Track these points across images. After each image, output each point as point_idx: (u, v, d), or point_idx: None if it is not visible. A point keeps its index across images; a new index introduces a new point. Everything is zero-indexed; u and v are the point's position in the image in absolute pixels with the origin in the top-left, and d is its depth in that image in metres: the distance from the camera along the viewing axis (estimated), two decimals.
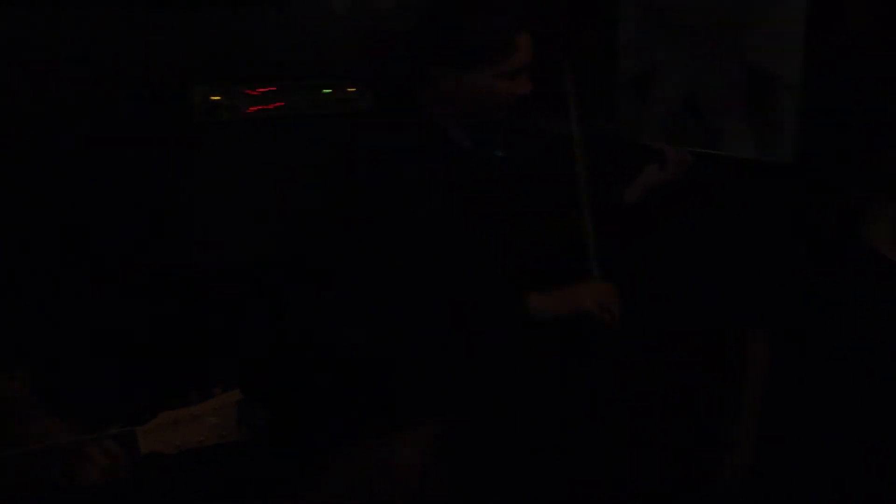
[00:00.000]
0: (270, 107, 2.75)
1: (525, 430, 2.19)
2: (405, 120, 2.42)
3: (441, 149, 2.34)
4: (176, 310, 2.67)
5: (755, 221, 2.85)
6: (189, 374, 2.47)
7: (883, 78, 2.63)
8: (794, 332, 2.33)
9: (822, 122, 2.79)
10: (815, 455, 2.28)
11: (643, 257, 2.70)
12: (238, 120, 2.70)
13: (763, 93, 2.98)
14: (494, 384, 2.28)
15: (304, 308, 2.62)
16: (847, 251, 2.25)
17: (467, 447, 2.21)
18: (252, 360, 2.51)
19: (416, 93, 2.33)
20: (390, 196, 2.29)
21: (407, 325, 2.30)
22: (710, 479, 2.32)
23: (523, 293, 2.23)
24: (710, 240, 2.91)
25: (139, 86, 2.77)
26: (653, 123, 3.36)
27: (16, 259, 2.54)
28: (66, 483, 1.89)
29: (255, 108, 2.72)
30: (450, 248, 2.28)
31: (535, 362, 2.34)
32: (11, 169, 2.64)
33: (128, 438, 1.87)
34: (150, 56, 2.78)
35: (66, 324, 2.60)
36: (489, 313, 2.23)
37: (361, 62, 2.97)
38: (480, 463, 2.20)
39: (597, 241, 2.34)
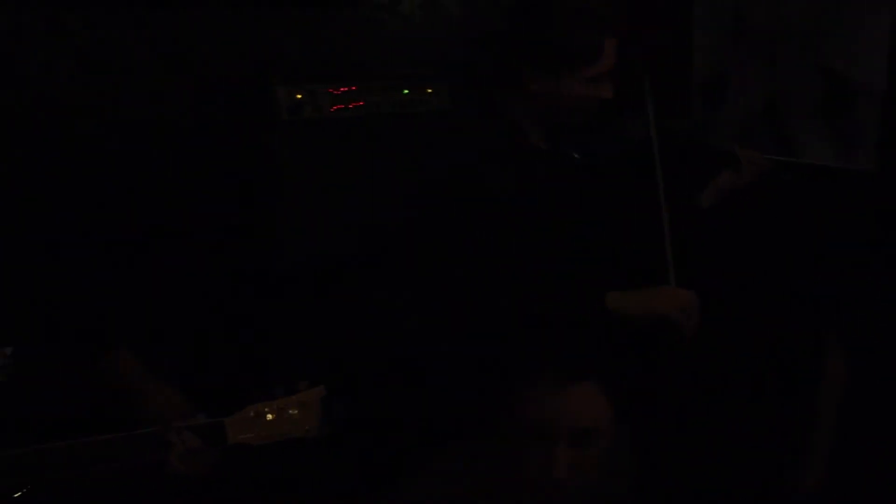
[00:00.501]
0: (351, 106, 2.79)
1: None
2: (484, 121, 2.45)
3: (521, 151, 2.36)
4: (261, 306, 2.72)
5: (834, 230, 2.82)
6: (274, 369, 2.53)
7: None
8: (872, 341, 2.31)
9: None
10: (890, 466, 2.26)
11: (718, 263, 2.68)
12: (320, 119, 2.74)
13: (843, 99, 2.95)
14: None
15: (384, 307, 2.66)
16: None
17: None
18: (338, 358, 2.55)
19: (499, 95, 2.36)
20: (470, 196, 2.32)
21: (483, 323, 2.32)
22: (784, 490, 2.32)
23: (602, 292, 2.23)
24: (787, 247, 2.89)
25: (225, 84, 2.83)
26: (727, 129, 3.34)
27: (113, 250, 2.62)
28: (152, 471, 1.95)
29: (337, 108, 2.76)
30: (526, 250, 2.30)
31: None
32: (103, 167, 2.72)
33: (216, 429, 1.93)
34: (236, 54, 2.84)
35: (159, 317, 2.67)
36: (568, 310, 2.23)
37: (439, 63, 3.00)
38: None
39: (674, 247, 2.34)
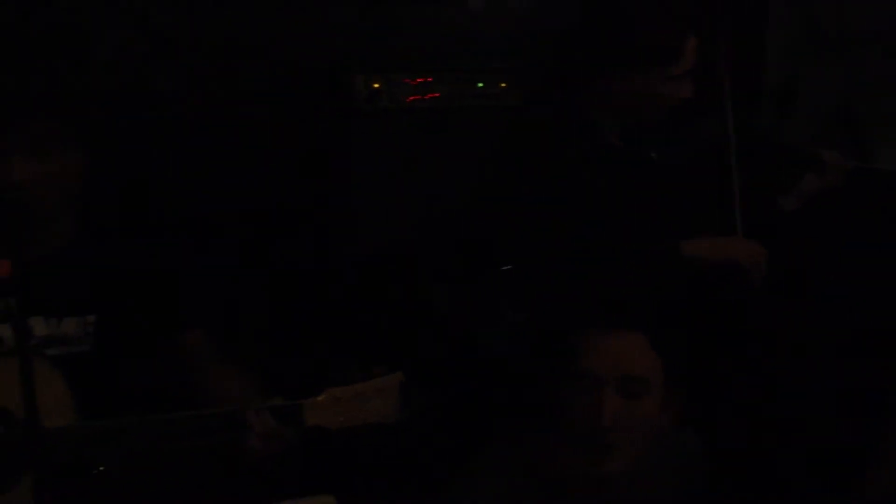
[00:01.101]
0: (427, 97, 2.80)
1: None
2: (558, 118, 2.45)
3: (596, 148, 2.36)
4: (340, 292, 2.75)
5: None
6: (352, 354, 2.55)
7: None
8: None
9: None
10: None
11: (798, 267, 2.67)
12: (396, 109, 2.76)
13: None
14: None
15: (459, 297, 2.67)
16: None
17: None
18: (416, 345, 2.57)
19: (576, 93, 2.35)
20: (545, 192, 2.32)
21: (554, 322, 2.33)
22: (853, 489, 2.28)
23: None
24: (867, 252, 2.86)
25: (303, 71, 2.86)
26: (800, 133, 3.31)
27: (194, 232, 2.66)
28: (229, 450, 1.98)
29: (413, 98, 2.78)
30: (597, 250, 2.30)
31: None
32: (180, 152, 2.76)
33: (294, 411, 1.95)
34: (315, 41, 2.86)
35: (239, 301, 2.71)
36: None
37: (514, 57, 3.00)
38: None
39: None
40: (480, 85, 2.90)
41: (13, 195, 1.96)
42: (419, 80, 2.81)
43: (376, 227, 2.78)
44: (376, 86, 2.74)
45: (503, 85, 2.93)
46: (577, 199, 2.26)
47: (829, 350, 2.51)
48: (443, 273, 2.74)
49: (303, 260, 2.81)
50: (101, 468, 1.99)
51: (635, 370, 1.76)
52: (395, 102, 2.77)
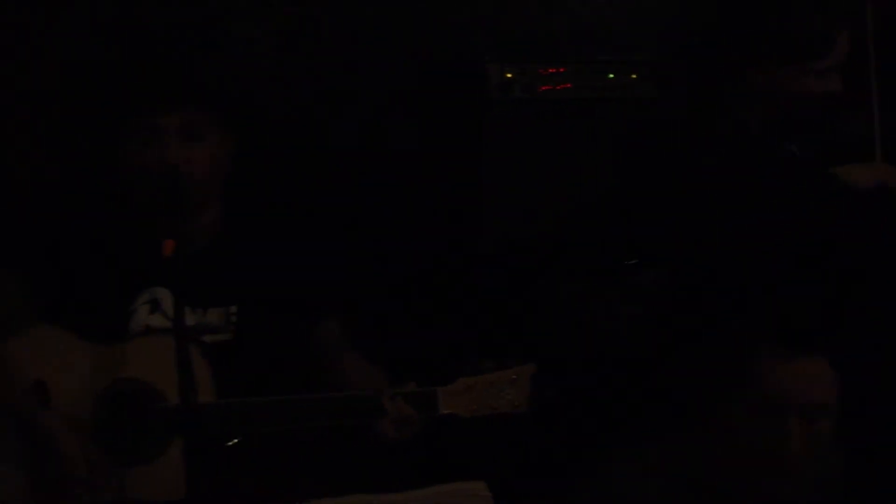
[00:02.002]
0: (559, 87, 2.79)
1: None
2: (695, 112, 2.42)
3: (737, 143, 2.33)
4: (472, 283, 2.77)
5: None
6: (486, 345, 2.57)
7: None
8: None
9: None
10: None
11: None
12: (529, 99, 2.76)
13: None
14: None
15: (586, 290, 2.67)
16: None
17: None
18: (548, 338, 2.58)
19: (717, 87, 2.32)
20: (684, 184, 2.30)
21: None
22: None
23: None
24: None
25: (437, 59, 2.88)
26: None
27: (325, 224, 2.72)
28: (361, 434, 2.03)
29: (546, 88, 2.77)
30: (733, 242, 2.27)
31: None
32: (311, 144, 2.82)
33: (430, 397, 1.99)
34: (448, 29, 2.88)
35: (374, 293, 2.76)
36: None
37: (649, 49, 2.96)
38: None
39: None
40: (611, 76, 2.87)
41: (170, 177, 2.04)
42: (551, 70, 2.80)
43: (506, 218, 2.79)
44: (509, 75, 2.75)
45: (634, 76, 2.90)
46: (716, 194, 2.24)
47: None
48: (572, 266, 2.74)
49: (437, 251, 2.84)
50: (235, 441, 2.07)
51: (817, 397, 1.75)
52: (527, 92, 2.77)
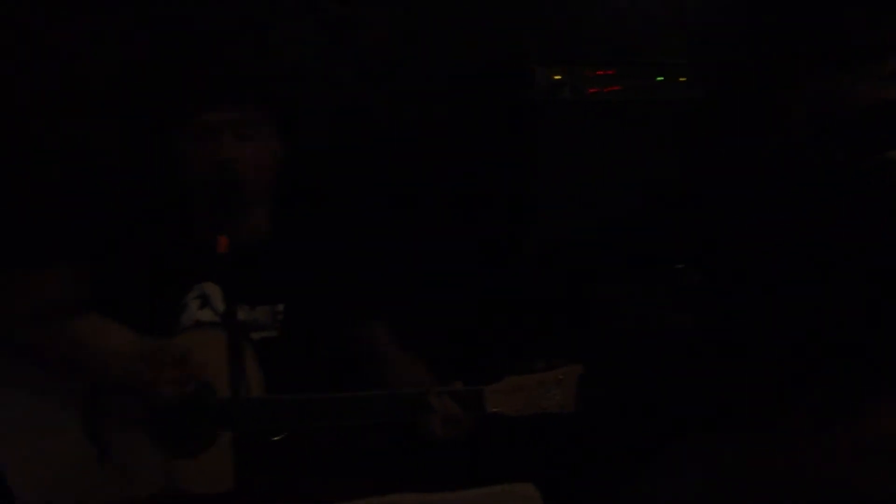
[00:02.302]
0: (607, 90, 2.79)
1: None
2: (745, 116, 2.40)
3: (788, 149, 2.30)
4: (521, 283, 2.78)
5: None
6: (532, 344, 2.58)
7: None
8: None
9: None
10: None
11: None
12: (577, 101, 2.76)
13: None
14: None
15: (632, 293, 2.67)
16: None
17: None
18: (597, 338, 2.59)
19: (771, 91, 2.30)
20: (733, 188, 2.29)
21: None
22: None
23: None
24: None
25: (485, 61, 2.89)
26: None
27: (374, 223, 2.74)
28: (410, 431, 2.04)
29: (594, 90, 2.77)
30: (777, 248, 2.25)
31: None
32: (362, 143, 2.84)
33: (476, 396, 1.99)
34: (497, 31, 2.89)
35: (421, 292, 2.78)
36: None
37: (698, 51, 2.95)
38: None
39: None
40: (660, 78, 2.87)
41: (223, 173, 2.06)
42: (600, 72, 2.80)
43: (555, 220, 2.79)
44: (557, 77, 2.75)
45: (683, 79, 2.89)
46: (765, 198, 2.22)
47: None
48: (619, 268, 2.74)
49: (486, 251, 2.85)
50: (283, 435, 2.10)
51: None
52: (576, 94, 2.77)
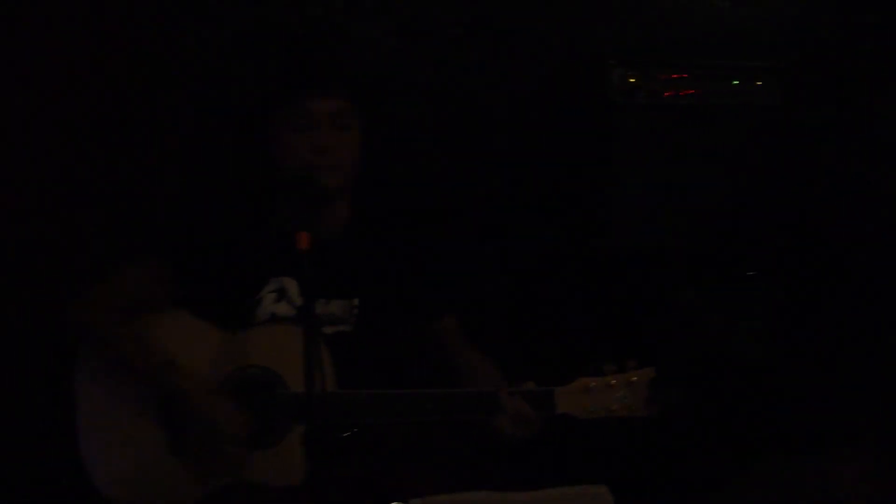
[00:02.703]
0: (682, 94, 2.77)
1: None
2: (828, 123, 2.35)
3: (877, 159, 2.26)
4: (594, 285, 2.78)
5: None
6: (604, 346, 2.58)
7: None
8: None
9: None
10: None
11: None
12: (652, 104, 2.75)
13: None
14: None
15: (706, 298, 2.65)
16: None
17: None
18: (670, 342, 2.57)
19: (856, 96, 2.25)
20: (811, 195, 2.26)
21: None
22: None
23: None
24: None
25: (562, 62, 2.90)
26: None
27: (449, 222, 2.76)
28: (480, 429, 2.05)
29: (669, 94, 2.76)
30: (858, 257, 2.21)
31: None
32: (436, 142, 2.86)
33: (546, 397, 2.00)
34: (573, 35, 2.89)
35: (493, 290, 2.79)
36: None
37: (775, 55, 2.92)
38: None
39: None
40: (736, 82, 2.84)
41: (318, 161, 2.08)
42: (675, 75, 2.78)
43: (628, 224, 2.78)
44: (632, 80, 2.74)
45: (759, 83, 2.85)
46: (853, 206, 2.18)
47: None
48: (694, 273, 2.72)
49: (560, 252, 2.85)
50: (354, 430, 2.12)
51: None
52: (651, 98, 2.75)
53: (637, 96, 2.74)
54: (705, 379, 2.47)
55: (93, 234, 2.66)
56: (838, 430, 1.88)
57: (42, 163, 2.61)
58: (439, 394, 2.02)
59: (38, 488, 2.55)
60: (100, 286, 2.13)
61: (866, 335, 2.25)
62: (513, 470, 2.06)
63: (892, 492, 1.76)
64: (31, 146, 2.60)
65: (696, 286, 2.68)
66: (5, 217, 2.60)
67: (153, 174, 2.70)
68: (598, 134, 2.78)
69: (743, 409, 2.40)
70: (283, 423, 2.04)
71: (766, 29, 2.97)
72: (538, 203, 2.89)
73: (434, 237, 2.33)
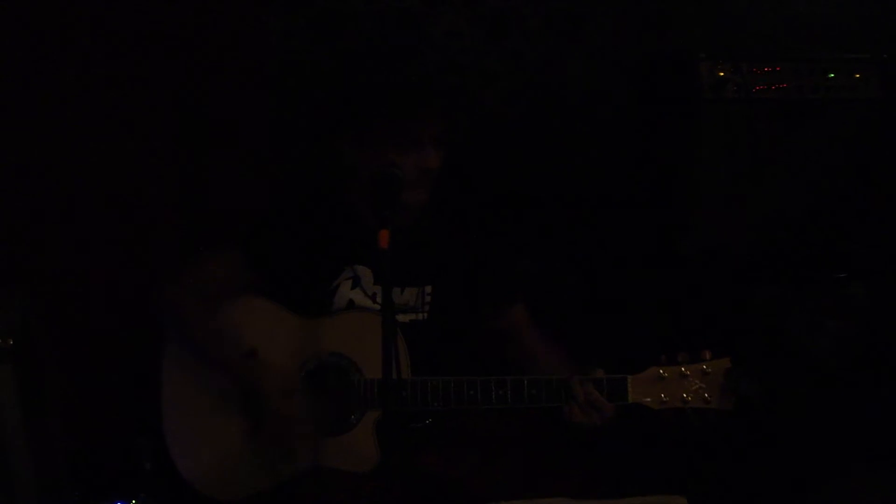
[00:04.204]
0: (773, 88, 2.70)
1: None
2: None
3: None
4: (675, 278, 2.74)
5: None
6: (680, 336, 2.53)
7: None
8: None
9: None
10: None
11: None
12: (742, 98, 2.68)
13: None
14: None
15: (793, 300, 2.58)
16: None
17: None
18: (749, 337, 2.52)
19: None
20: None
21: None
22: None
23: None
24: None
25: (650, 57, 2.86)
26: None
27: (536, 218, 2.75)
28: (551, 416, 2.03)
29: (760, 88, 2.69)
30: None
31: None
32: (527, 141, 2.85)
33: (618, 385, 1.97)
34: (662, 28, 2.86)
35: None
36: None
37: (873, 46, 2.82)
38: None
39: None
40: (831, 75, 2.75)
41: (424, 180, 2.11)
42: (766, 69, 2.71)
43: (714, 220, 2.73)
44: (722, 74, 2.68)
45: (857, 76, 2.76)
46: None
47: None
48: (778, 273, 2.64)
49: (641, 243, 2.82)
50: (427, 421, 2.13)
51: None
52: (740, 92, 2.69)
53: (726, 90, 2.68)
54: (784, 372, 2.39)
55: (177, 225, 2.75)
56: None
57: (132, 157, 2.71)
58: (510, 381, 2.01)
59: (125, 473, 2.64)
60: (182, 274, 2.19)
61: None
62: (590, 477, 2.02)
63: None
64: (124, 140, 2.70)
65: (781, 285, 2.60)
66: (94, 210, 2.70)
67: (234, 166, 2.77)
68: (686, 129, 2.74)
69: (824, 412, 2.32)
70: (358, 410, 2.07)
71: (864, 18, 2.87)
72: (622, 198, 2.85)
73: (511, 228, 2.33)
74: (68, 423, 2.53)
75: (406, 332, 2.10)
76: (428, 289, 2.21)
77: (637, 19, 2.86)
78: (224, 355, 2.12)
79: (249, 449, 2.10)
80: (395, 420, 2.01)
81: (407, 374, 2.05)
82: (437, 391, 2.03)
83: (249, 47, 2.73)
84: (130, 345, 2.58)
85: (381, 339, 1.81)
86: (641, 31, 2.87)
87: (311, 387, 2.10)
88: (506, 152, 2.84)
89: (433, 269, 2.22)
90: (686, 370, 1.95)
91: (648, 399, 1.96)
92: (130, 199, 2.73)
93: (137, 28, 2.65)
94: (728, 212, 2.72)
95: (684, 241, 2.74)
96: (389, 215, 1.95)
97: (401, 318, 2.18)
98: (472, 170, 2.73)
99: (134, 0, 2.64)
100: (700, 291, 2.68)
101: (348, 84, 2.27)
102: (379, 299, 2.16)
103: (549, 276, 2.40)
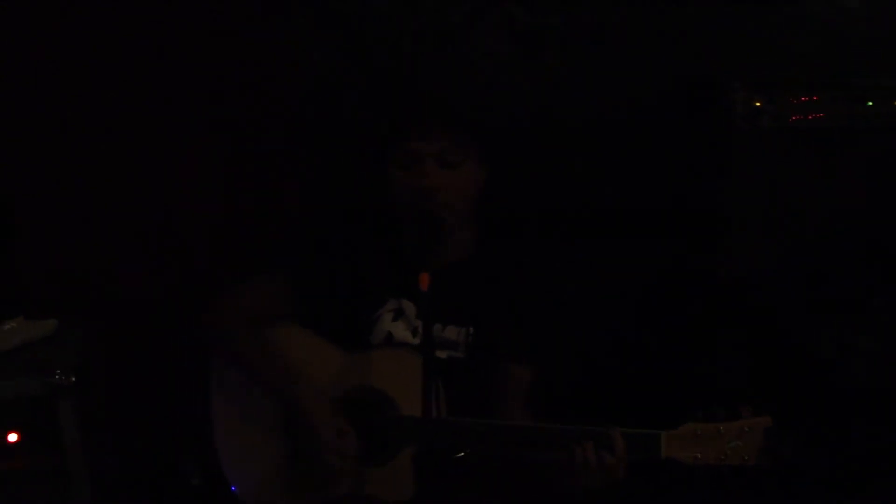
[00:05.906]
0: (810, 117, 2.64)
1: None
2: None
3: None
4: (710, 318, 2.70)
5: None
6: (718, 391, 2.49)
7: None
8: None
9: None
10: None
11: None
12: (777, 128, 2.63)
13: None
14: None
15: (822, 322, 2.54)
16: None
17: None
18: (790, 386, 2.47)
19: None
20: None
21: None
22: None
23: None
24: None
25: (684, 83, 2.81)
26: None
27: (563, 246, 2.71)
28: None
29: (796, 118, 2.63)
30: None
31: None
32: (554, 163, 2.81)
33: (651, 440, 1.93)
34: (696, 56, 2.80)
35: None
36: None
37: None
38: None
39: None
40: (870, 104, 2.69)
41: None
42: (803, 98, 2.65)
43: (749, 251, 2.68)
44: (757, 104, 2.63)
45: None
46: None
47: None
48: (814, 302, 2.60)
49: (672, 277, 2.79)
50: (461, 454, 2.11)
51: None
52: (776, 122, 2.64)
53: (762, 120, 2.63)
54: (824, 424, 2.34)
55: (226, 249, 2.83)
56: None
57: (183, 189, 2.81)
58: (549, 428, 1.97)
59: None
60: (229, 296, 2.22)
61: None
62: None
63: None
64: (176, 172, 2.81)
65: (813, 310, 2.56)
66: (144, 233, 2.81)
67: (280, 192, 2.82)
68: (720, 159, 2.69)
69: (861, 439, 2.28)
70: (395, 444, 2.07)
71: None
72: (656, 227, 2.81)
73: (553, 266, 2.29)
74: (121, 447, 2.68)
75: (445, 370, 2.10)
76: (470, 329, 2.19)
77: (674, 46, 2.80)
78: (270, 381, 2.14)
79: (291, 473, 2.15)
80: (432, 456, 2.02)
81: (443, 412, 2.06)
82: (477, 433, 1.99)
83: (288, 75, 2.77)
84: (177, 367, 2.64)
85: (419, 377, 1.84)
86: (678, 59, 2.81)
87: (347, 420, 2.10)
88: (553, 188, 2.82)
89: (478, 308, 2.20)
90: (723, 428, 1.90)
91: (681, 456, 1.91)
92: (178, 228, 2.83)
93: (190, 62, 2.74)
94: (764, 243, 2.67)
95: (717, 275, 2.70)
96: (431, 257, 1.93)
97: (441, 354, 2.17)
98: (521, 208, 2.71)
99: (184, 36, 2.72)
100: (731, 321, 2.64)
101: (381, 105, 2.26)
102: (420, 334, 2.15)
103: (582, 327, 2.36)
